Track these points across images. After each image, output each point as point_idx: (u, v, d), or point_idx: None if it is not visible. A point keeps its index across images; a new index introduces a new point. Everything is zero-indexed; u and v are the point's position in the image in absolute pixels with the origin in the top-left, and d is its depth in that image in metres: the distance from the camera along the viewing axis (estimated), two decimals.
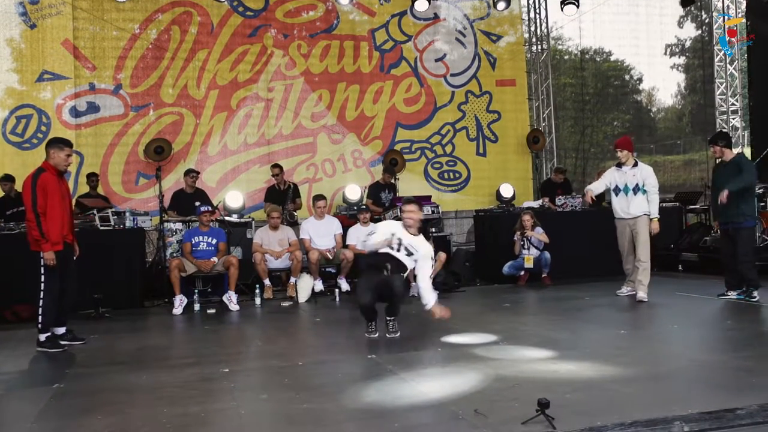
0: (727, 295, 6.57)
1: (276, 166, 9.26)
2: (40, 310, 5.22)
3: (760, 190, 8.51)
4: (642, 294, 6.71)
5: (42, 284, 5.22)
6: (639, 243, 6.81)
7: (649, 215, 6.79)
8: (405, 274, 5.29)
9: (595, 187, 7.07)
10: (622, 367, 4.00)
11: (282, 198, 8.92)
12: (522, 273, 8.36)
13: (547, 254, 8.24)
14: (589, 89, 15.11)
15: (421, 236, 5.41)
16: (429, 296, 5.23)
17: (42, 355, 5.14)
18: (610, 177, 7.07)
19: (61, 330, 5.47)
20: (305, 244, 7.94)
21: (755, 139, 11.46)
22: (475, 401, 3.38)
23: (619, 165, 7.02)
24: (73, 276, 5.52)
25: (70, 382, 4.21)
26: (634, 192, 6.83)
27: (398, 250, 5.23)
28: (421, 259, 5.31)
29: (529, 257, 8.21)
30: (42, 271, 5.21)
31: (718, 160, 6.82)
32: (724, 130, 11.25)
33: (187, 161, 9.82)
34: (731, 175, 6.43)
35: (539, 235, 8.23)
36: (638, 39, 13.66)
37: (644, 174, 6.84)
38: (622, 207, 6.93)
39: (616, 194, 6.97)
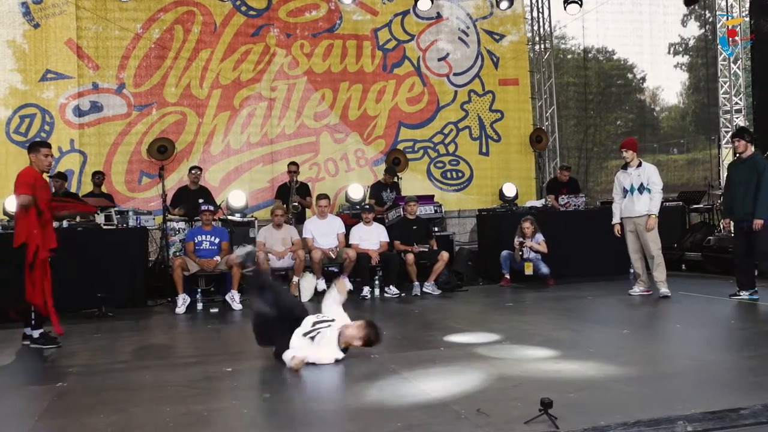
0: (739, 295, 6.47)
1: (293, 163, 9.31)
2: (33, 306, 5.17)
3: None
4: (664, 290, 6.78)
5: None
6: (646, 241, 6.87)
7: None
8: None
9: (617, 216, 7.11)
10: (625, 367, 3.99)
11: (289, 194, 8.93)
12: (507, 276, 8.28)
13: (545, 269, 8.11)
14: (592, 88, 15.06)
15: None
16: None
17: (44, 353, 5.14)
18: (618, 181, 7.18)
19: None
20: (308, 244, 7.94)
21: (759, 138, 11.39)
22: (478, 400, 3.38)
23: (625, 166, 7.13)
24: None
25: (73, 381, 4.21)
26: (639, 191, 6.92)
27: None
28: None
29: (529, 264, 8.14)
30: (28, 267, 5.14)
31: (738, 155, 6.62)
32: (744, 126, 11.14)
33: (190, 160, 9.82)
34: (748, 175, 6.37)
35: (537, 245, 8.14)
36: (641, 38, 13.62)
37: (648, 173, 6.94)
38: (627, 207, 7.01)
39: (624, 195, 7.05)
